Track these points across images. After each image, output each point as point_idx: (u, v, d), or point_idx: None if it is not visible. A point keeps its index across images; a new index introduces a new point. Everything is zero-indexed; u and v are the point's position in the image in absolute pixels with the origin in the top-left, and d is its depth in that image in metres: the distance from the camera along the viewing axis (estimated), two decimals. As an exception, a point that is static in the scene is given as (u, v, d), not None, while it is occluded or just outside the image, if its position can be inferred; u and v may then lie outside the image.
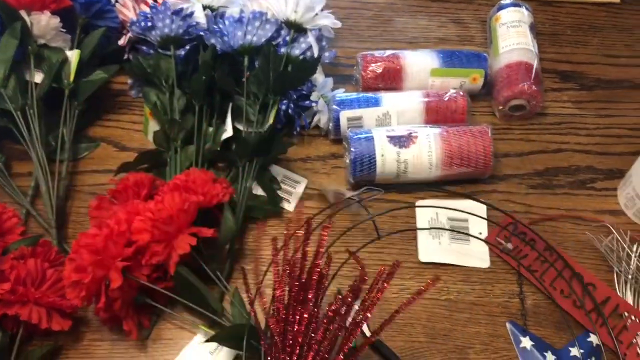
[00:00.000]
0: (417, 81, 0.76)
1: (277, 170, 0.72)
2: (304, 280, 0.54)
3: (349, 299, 0.53)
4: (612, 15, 0.89)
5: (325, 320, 0.52)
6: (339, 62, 0.81)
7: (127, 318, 0.59)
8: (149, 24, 0.72)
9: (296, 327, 0.52)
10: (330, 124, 0.73)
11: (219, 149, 0.71)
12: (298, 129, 0.74)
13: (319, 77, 0.74)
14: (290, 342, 0.52)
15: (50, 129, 0.72)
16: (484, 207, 0.69)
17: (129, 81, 0.78)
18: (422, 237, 0.68)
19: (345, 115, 0.72)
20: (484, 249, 0.67)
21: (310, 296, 0.53)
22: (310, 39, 0.71)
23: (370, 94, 0.74)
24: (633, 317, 0.62)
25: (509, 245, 0.67)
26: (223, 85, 0.71)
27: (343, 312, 0.53)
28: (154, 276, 0.58)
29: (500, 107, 0.76)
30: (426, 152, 0.68)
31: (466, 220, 0.68)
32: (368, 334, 0.61)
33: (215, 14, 0.75)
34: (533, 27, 0.80)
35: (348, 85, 0.79)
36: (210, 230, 0.59)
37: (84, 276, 0.54)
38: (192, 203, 0.57)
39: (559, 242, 0.67)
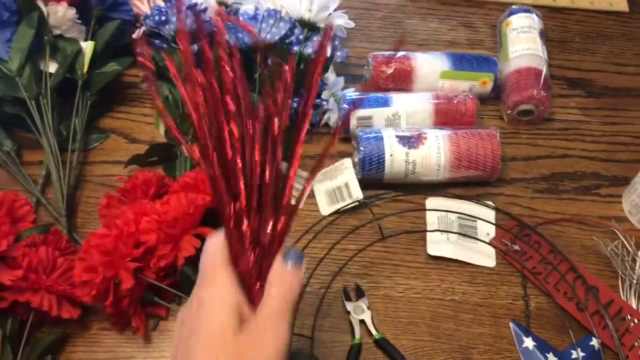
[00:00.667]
0: (427, 83, 0.77)
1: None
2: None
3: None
4: (621, 24, 0.90)
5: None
6: (350, 61, 0.82)
7: (135, 315, 0.59)
8: (163, 18, 0.73)
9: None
10: (339, 122, 0.74)
11: (229, 144, 0.71)
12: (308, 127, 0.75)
13: (330, 76, 0.75)
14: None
15: (62, 119, 0.72)
16: (493, 209, 0.70)
17: (141, 74, 0.79)
18: (431, 232, 0.69)
19: (355, 114, 0.73)
20: (491, 248, 0.68)
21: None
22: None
23: (380, 94, 0.74)
24: (636, 320, 0.63)
25: (515, 247, 0.67)
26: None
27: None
28: (162, 274, 0.59)
29: (509, 112, 0.77)
30: (435, 153, 0.69)
31: (475, 220, 0.69)
32: (374, 332, 0.62)
33: (229, 10, 0.75)
34: (543, 34, 0.81)
35: (358, 84, 0.80)
36: (213, 232, 0.60)
37: (94, 276, 0.54)
38: (197, 207, 0.58)
39: (563, 247, 0.68)
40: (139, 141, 0.75)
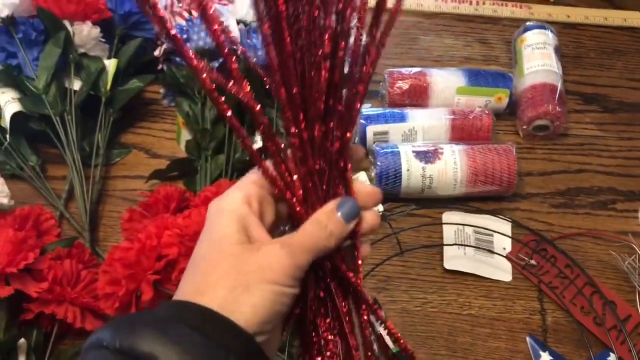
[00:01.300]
0: (442, 99, 0.78)
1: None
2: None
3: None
4: (636, 39, 0.91)
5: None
6: (366, 78, 0.83)
7: (158, 325, 0.60)
8: (184, 36, 0.75)
9: None
10: (357, 138, 0.75)
11: (248, 158, 0.72)
12: (325, 142, 0.76)
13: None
14: None
15: (85, 135, 0.74)
16: (509, 223, 0.70)
17: (162, 90, 0.81)
18: (448, 245, 0.69)
19: (371, 129, 0.74)
20: (508, 262, 0.68)
21: None
22: (341, 55, 0.73)
23: (396, 110, 0.75)
24: (654, 337, 0.63)
25: (532, 261, 0.68)
26: (255, 97, 0.73)
27: None
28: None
29: (524, 127, 0.77)
30: (451, 168, 0.69)
31: (491, 234, 0.69)
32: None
33: (248, 28, 0.77)
34: (557, 50, 0.82)
35: (374, 100, 0.81)
36: None
37: (117, 289, 0.56)
38: None
39: (580, 261, 0.68)
40: (160, 156, 0.77)
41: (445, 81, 0.78)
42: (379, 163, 0.70)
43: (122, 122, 0.78)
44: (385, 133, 0.74)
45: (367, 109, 0.76)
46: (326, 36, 0.35)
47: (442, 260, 0.68)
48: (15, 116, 0.70)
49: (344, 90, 0.37)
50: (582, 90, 0.85)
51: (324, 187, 0.38)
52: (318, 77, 0.36)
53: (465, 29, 0.91)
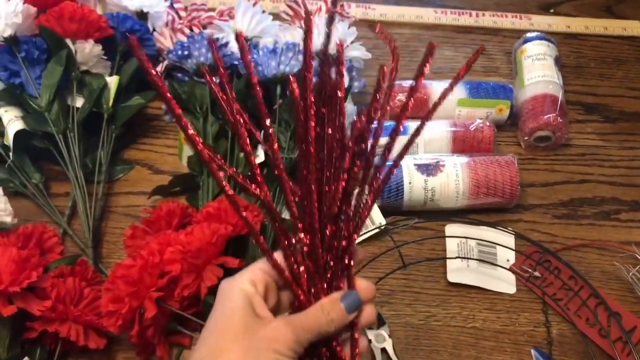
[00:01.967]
0: (443, 111, 0.78)
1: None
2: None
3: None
4: (636, 48, 0.91)
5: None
6: (367, 91, 0.83)
7: (160, 344, 0.60)
8: (186, 52, 0.75)
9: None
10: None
11: (250, 173, 0.72)
12: (327, 155, 0.76)
13: (348, 105, 0.76)
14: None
15: (87, 152, 0.74)
16: (512, 235, 0.70)
17: (164, 106, 0.81)
18: (451, 258, 0.69)
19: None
20: (511, 274, 0.68)
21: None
22: (342, 69, 0.74)
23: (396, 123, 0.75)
24: (660, 349, 0.63)
25: (536, 273, 0.68)
26: (256, 113, 0.73)
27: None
28: (185, 304, 0.60)
29: (526, 138, 0.77)
30: (453, 180, 0.69)
31: (494, 247, 0.69)
32: (394, 358, 0.63)
33: (249, 44, 0.77)
34: (558, 60, 0.82)
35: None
36: (236, 261, 0.61)
37: (120, 306, 0.56)
38: (220, 236, 0.59)
39: (584, 273, 0.68)
40: (163, 172, 0.77)
41: (446, 93, 0.78)
42: (380, 176, 0.70)
43: (124, 138, 0.78)
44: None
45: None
46: (347, 155, 0.43)
47: (445, 273, 0.68)
48: (18, 134, 0.71)
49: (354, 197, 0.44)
50: (583, 100, 0.85)
51: (328, 280, 0.43)
52: (336, 186, 0.43)
53: (465, 41, 0.91)
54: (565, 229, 0.73)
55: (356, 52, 0.75)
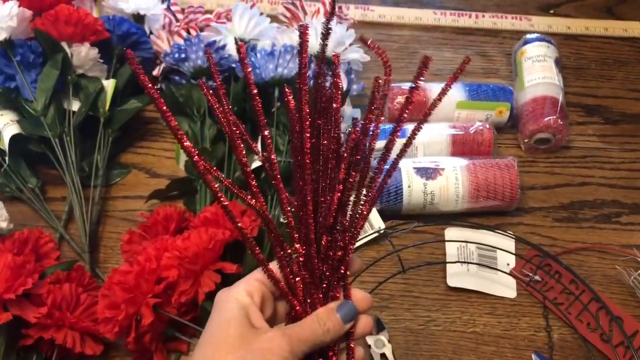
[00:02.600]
0: (443, 113, 0.77)
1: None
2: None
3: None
4: (637, 50, 0.90)
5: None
6: (366, 93, 0.82)
7: (157, 350, 0.60)
8: (183, 55, 0.75)
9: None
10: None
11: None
12: (325, 158, 0.75)
13: (346, 108, 0.75)
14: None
15: (84, 155, 0.74)
16: (512, 239, 0.69)
17: (161, 109, 0.80)
18: (451, 263, 0.68)
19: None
20: (512, 278, 0.68)
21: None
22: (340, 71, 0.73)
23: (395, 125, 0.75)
24: (661, 353, 0.62)
25: (536, 277, 0.67)
26: (253, 116, 0.73)
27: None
28: (182, 310, 0.60)
29: (526, 140, 0.77)
30: (453, 184, 0.69)
31: (495, 250, 0.68)
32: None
33: (247, 46, 0.77)
34: (558, 62, 0.81)
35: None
36: (234, 266, 0.60)
37: (117, 313, 0.55)
38: (217, 242, 0.59)
39: (585, 276, 0.67)
40: (160, 176, 0.77)
41: (446, 96, 0.77)
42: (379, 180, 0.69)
43: (121, 142, 0.77)
44: (386, 149, 0.73)
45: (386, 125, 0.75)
46: (342, 165, 0.43)
47: (445, 277, 0.68)
48: (14, 138, 0.70)
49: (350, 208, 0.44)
50: (583, 102, 0.84)
51: (324, 290, 0.43)
52: (332, 197, 0.43)
53: (464, 42, 0.91)
54: (565, 232, 0.72)
55: (355, 55, 0.74)
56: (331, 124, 0.44)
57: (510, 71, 0.86)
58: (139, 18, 0.79)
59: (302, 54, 0.43)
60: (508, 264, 0.68)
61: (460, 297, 0.67)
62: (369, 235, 0.69)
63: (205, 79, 0.74)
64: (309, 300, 0.43)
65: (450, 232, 0.71)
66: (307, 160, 0.43)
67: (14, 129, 0.70)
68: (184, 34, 0.77)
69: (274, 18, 0.82)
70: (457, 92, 0.77)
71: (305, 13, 0.80)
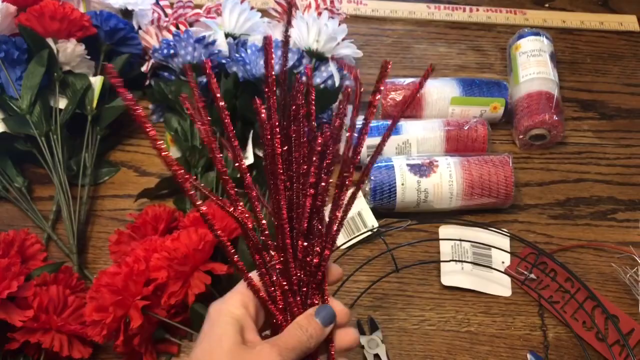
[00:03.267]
0: (437, 109, 0.76)
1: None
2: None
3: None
4: (633, 44, 0.89)
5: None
6: (359, 89, 0.81)
7: (147, 353, 0.59)
8: (172, 51, 0.73)
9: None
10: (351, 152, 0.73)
11: (239, 176, 0.71)
12: (318, 156, 0.74)
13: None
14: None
15: (72, 154, 0.72)
16: (507, 237, 0.69)
17: (150, 106, 0.79)
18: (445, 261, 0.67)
19: (365, 143, 0.72)
20: (507, 277, 0.67)
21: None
22: (332, 68, 0.72)
23: (390, 122, 0.73)
24: (658, 352, 0.62)
25: (532, 276, 0.66)
26: (244, 113, 0.72)
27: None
28: (172, 311, 0.59)
29: (521, 137, 0.76)
30: (447, 181, 0.68)
31: (489, 249, 0.68)
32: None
33: (237, 42, 0.75)
34: (553, 56, 0.80)
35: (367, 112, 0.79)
36: (224, 267, 0.59)
37: (105, 316, 0.54)
38: (207, 242, 0.58)
39: (580, 274, 0.66)
40: (150, 174, 0.75)
41: (439, 91, 0.76)
42: (372, 178, 0.68)
43: (110, 139, 0.76)
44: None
45: (360, 121, 0.74)
46: (312, 169, 0.43)
47: (439, 276, 0.67)
48: (-1, 137, 0.69)
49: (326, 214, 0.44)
50: (579, 97, 0.83)
51: (302, 296, 0.44)
52: (304, 202, 0.43)
53: (458, 37, 0.90)
54: (561, 230, 0.71)
55: (347, 50, 0.73)
56: (302, 131, 0.44)
57: (505, 66, 0.85)
58: (127, 13, 0.78)
59: (268, 65, 0.46)
60: (503, 262, 0.68)
61: (455, 296, 0.66)
62: (362, 233, 0.68)
63: (196, 75, 0.73)
64: (288, 308, 0.44)
65: (444, 230, 0.70)
66: (279, 166, 0.43)
67: (-1, 128, 0.69)
68: (173, 29, 0.76)
69: (264, 13, 0.81)
70: (450, 88, 0.76)
71: (296, 8, 0.78)
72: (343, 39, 0.73)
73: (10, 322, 0.55)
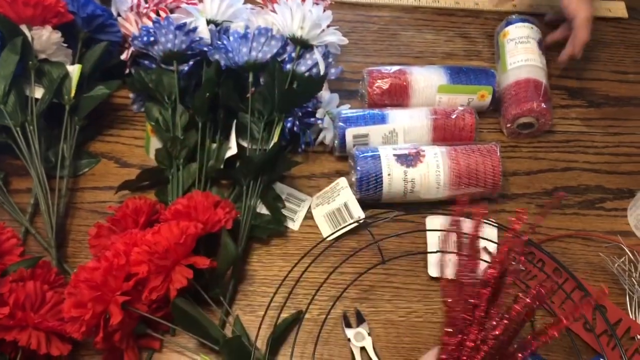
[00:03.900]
0: (423, 98, 0.75)
1: (281, 188, 0.71)
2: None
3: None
4: (621, 30, 0.88)
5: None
6: (344, 76, 0.80)
7: (128, 349, 0.57)
8: (152, 38, 0.71)
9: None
10: (336, 141, 0.72)
11: (222, 167, 0.69)
12: (303, 146, 0.73)
13: (324, 93, 0.73)
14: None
15: (50, 145, 0.70)
16: (494, 227, 0.68)
17: (131, 95, 0.77)
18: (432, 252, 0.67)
19: (351, 132, 0.71)
20: (493, 270, 0.66)
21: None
22: (317, 55, 0.70)
23: (376, 111, 0.72)
24: (645, 341, 0.61)
25: (519, 266, 0.65)
26: (227, 102, 0.70)
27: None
28: (154, 306, 0.57)
29: (509, 125, 0.75)
30: (434, 171, 0.67)
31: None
32: (374, 357, 0.60)
33: (219, 29, 0.73)
34: (541, 43, 0.79)
35: (354, 100, 0.78)
36: (207, 261, 0.58)
37: (83, 312, 0.53)
38: (189, 236, 0.56)
39: (568, 264, 0.66)
40: (131, 165, 0.73)
41: (426, 79, 0.75)
42: (359, 168, 0.67)
43: (89, 130, 0.74)
44: (365, 136, 0.71)
45: (346, 110, 0.73)
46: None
47: (426, 267, 0.66)
48: (-27, 128, 0.67)
49: None
50: (567, 85, 0.82)
51: None
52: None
53: (446, 23, 0.88)
54: (549, 219, 0.70)
55: (332, 37, 0.71)
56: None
57: (493, 53, 0.84)
58: (105, 0, 0.75)
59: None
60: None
61: (442, 287, 0.65)
62: (348, 225, 0.67)
63: (177, 63, 0.72)
64: None
65: (431, 221, 0.69)
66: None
67: (-28, 118, 0.67)
68: (153, 16, 0.73)
69: (247, -1, 0.79)
70: (437, 76, 0.75)
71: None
72: (328, 26, 0.72)
73: (-15, 320, 0.53)
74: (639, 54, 0.86)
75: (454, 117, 0.72)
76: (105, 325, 0.55)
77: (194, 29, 0.71)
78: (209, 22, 0.73)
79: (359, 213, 0.68)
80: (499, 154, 0.68)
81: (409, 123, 0.71)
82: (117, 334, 0.56)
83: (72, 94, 0.70)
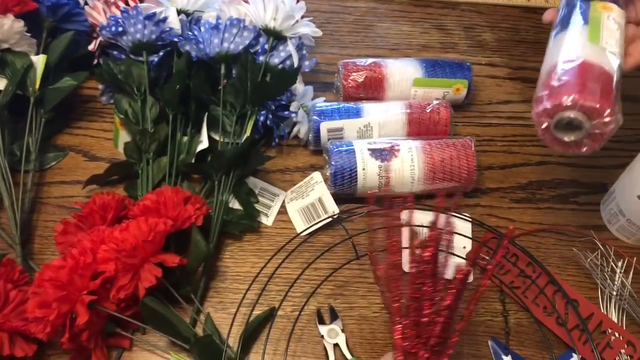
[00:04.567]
0: (399, 91, 0.74)
1: (254, 183, 0.69)
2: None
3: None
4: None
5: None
6: (319, 69, 0.78)
7: (96, 349, 0.56)
8: (120, 28, 0.69)
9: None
10: (310, 135, 0.71)
11: (193, 160, 0.68)
12: (277, 139, 0.72)
13: (298, 86, 0.71)
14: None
15: (14, 138, 0.68)
16: (469, 221, 0.67)
17: (100, 87, 0.75)
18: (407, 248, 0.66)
19: (325, 126, 0.70)
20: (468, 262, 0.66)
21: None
22: (290, 47, 0.69)
23: (351, 104, 0.71)
24: (617, 334, 0.62)
25: (493, 261, 0.65)
26: (198, 94, 0.68)
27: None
28: (123, 305, 0.56)
29: (545, 122, 0.55)
30: (408, 166, 0.66)
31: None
32: (349, 356, 0.60)
33: (190, 19, 0.72)
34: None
35: (329, 92, 0.77)
36: (176, 259, 0.57)
37: (48, 312, 0.51)
38: (158, 233, 0.55)
39: (542, 259, 0.66)
40: (100, 158, 0.72)
41: (402, 72, 0.74)
42: (333, 162, 0.66)
43: (56, 122, 0.72)
44: (340, 129, 0.70)
45: (321, 103, 0.72)
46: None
47: (401, 262, 0.65)
48: None
49: None
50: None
51: None
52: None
53: (422, 15, 0.87)
54: (523, 214, 0.70)
55: (305, 29, 0.70)
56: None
57: (469, 46, 0.83)
58: (71, -13, 0.73)
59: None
60: (464, 247, 0.67)
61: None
62: (322, 220, 0.66)
63: (146, 54, 0.70)
64: None
65: (406, 216, 0.68)
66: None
67: None
68: (121, 5, 0.71)
69: (220, -12, 0.77)
70: (413, 69, 0.74)
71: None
72: (302, 17, 0.70)
73: (-56, 321, 0.51)
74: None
75: (429, 111, 0.71)
76: (72, 325, 0.53)
77: (164, 19, 0.69)
78: (179, 12, 0.71)
79: (333, 208, 0.67)
80: (473, 148, 0.68)
81: (384, 117, 0.70)
82: (85, 334, 0.55)
83: (37, 86, 0.67)
